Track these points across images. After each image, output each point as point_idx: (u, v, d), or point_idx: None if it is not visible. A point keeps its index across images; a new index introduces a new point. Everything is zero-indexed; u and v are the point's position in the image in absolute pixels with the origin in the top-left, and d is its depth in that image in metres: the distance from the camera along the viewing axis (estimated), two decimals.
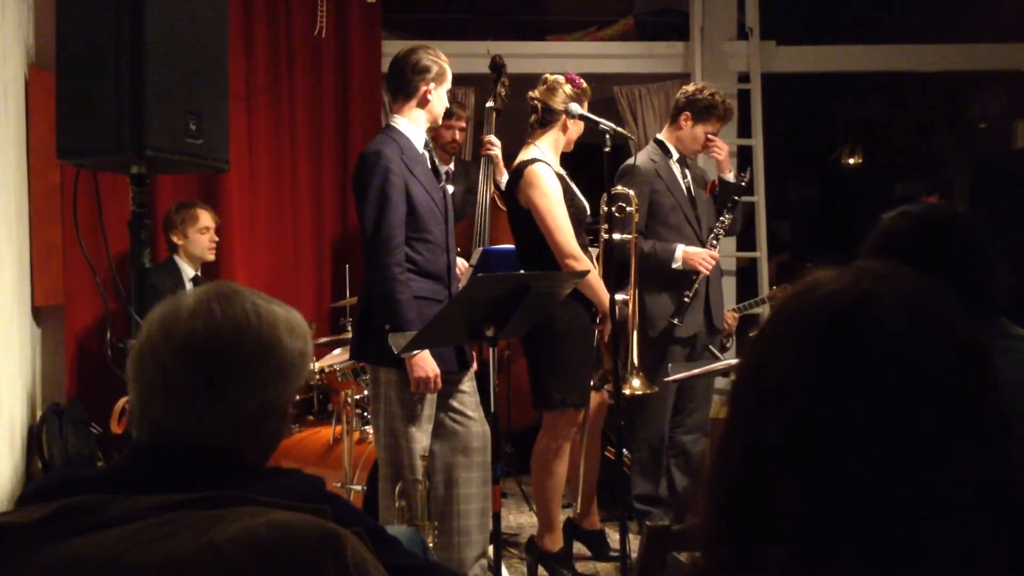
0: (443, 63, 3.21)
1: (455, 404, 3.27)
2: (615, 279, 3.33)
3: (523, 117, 3.59)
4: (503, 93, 4.36)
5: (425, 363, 3.05)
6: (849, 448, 0.80)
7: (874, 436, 0.80)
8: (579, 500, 3.78)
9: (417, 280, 3.12)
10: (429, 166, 3.24)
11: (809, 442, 0.82)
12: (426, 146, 3.25)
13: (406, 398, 3.11)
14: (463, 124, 4.94)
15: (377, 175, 3.06)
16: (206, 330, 1.25)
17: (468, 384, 3.32)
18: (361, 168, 3.12)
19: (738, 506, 0.86)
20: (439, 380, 3.08)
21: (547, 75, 3.53)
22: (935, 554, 0.79)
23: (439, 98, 3.22)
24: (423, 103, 3.19)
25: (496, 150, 4.21)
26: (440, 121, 3.34)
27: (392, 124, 3.22)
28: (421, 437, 3.14)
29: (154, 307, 1.31)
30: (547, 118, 3.48)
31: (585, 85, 3.52)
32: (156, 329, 1.27)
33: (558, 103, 3.44)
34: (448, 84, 3.25)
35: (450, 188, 3.41)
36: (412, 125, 3.20)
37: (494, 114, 4.31)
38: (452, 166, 4.94)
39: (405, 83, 3.18)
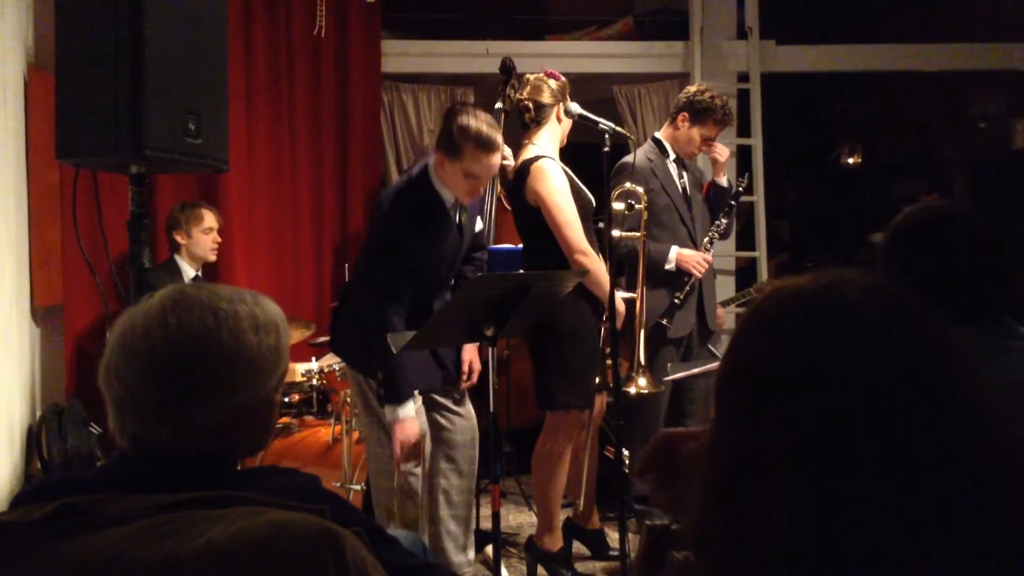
0: (463, 140, 2.89)
1: (440, 399, 3.27)
2: (614, 277, 3.32)
3: (518, 117, 3.59)
4: (512, 95, 4.35)
5: (407, 429, 2.96)
6: (840, 435, 0.84)
7: (859, 419, 0.84)
8: (582, 500, 3.77)
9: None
10: (454, 220, 3.09)
11: (803, 432, 0.85)
12: (456, 202, 3.06)
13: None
14: None
15: (394, 231, 2.93)
16: (164, 346, 1.22)
17: (454, 389, 3.32)
18: (385, 212, 2.98)
19: (733, 503, 0.88)
20: (421, 446, 3.03)
21: (528, 75, 3.54)
22: (930, 543, 0.81)
23: (451, 172, 2.96)
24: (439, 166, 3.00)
25: (505, 149, 4.19)
26: (454, 195, 3.06)
27: (427, 169, 3.05)
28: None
29: (116, 319, 1.29)
30: (540, 115, 3.49)
31: (564, 79, 3.55)
32: (117, 347, 1.25)
33: (547, 98, 3.47)
34: (465, 165, 2.92)
35: (479, 225, 3.30)
36: (441, 183, 3.03)
37: (503, 115, 4.30)
38: None
39: (444, 138, 2.96)
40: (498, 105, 4.33)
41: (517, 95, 3.54)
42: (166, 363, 1.22)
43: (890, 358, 0.85)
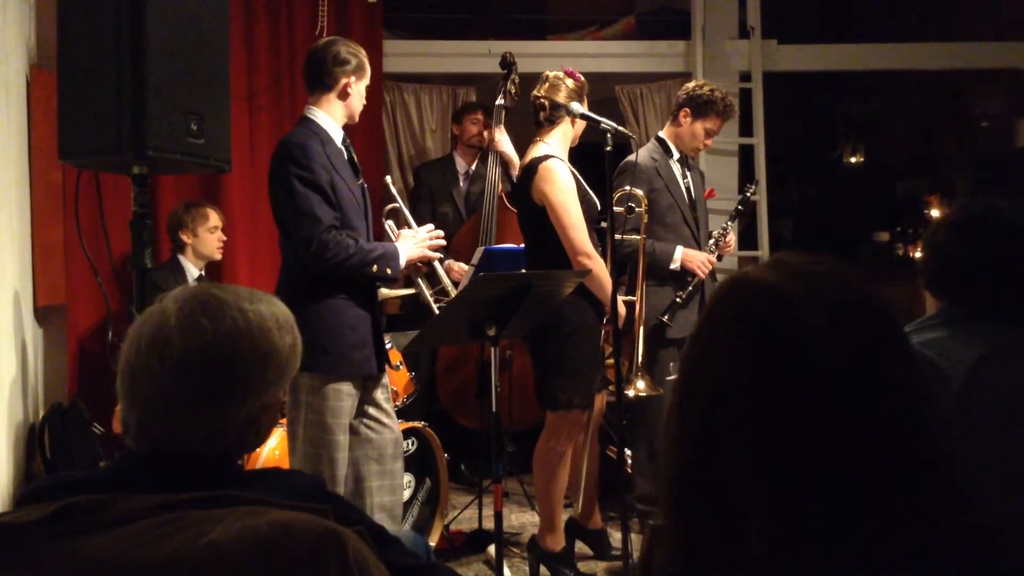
0: (363, 58, 3.13)
1: (370, 410, 3.13)
2: (616, 278, 3.32)
3: (524, 116, 3.59)
4: (513, 91, 4.33)
5: (412, 253, 3.09)
6: (798, 428, 0.83)
7: (818, 409, 0.83)
8: (580, 500, 3.77)
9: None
10: (346, 159, 3.12)
11: (760, 425, 0.85)
12: (344, 141, 3.14)
13: (327, 405, 2.97)
14: (481, 117, 4.92)
15: (302, 167, 2.92)
16: (201, 348, 1.24)
17: (382, 389, 3.17)
18: (285, 159, 2.96)
19: (693, 495, 0.88)
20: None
21: (547, 72, 3.52)
22: (884, 537, 0.80)
23: (358, 93, 3.13)
24: (343, 96, 3.08)
25: (503, 145, 4.17)
26: (357, 118, 3.19)
27: (309, 116, 3.08)
28: (345, 444, 3.01)
29: (136, 319, 1.29)
30: (555, 115, 3.46)
31: (583, 79, 3.52)
32: (146, 347, 1.25)
33: (563, 98, 3.44)
34: (367, 80, 3.16)
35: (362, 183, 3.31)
36: (330, 119, 3.09)
37: (503, 112, 4.28)
38: (475, 166, 4.95)
39: (325, 74, 3.08)
40: (499, 102, 4.32)
41: (534, 92, 3.51)
42: (204, 363, 1.24)
43: (845, 346, 0.85)
